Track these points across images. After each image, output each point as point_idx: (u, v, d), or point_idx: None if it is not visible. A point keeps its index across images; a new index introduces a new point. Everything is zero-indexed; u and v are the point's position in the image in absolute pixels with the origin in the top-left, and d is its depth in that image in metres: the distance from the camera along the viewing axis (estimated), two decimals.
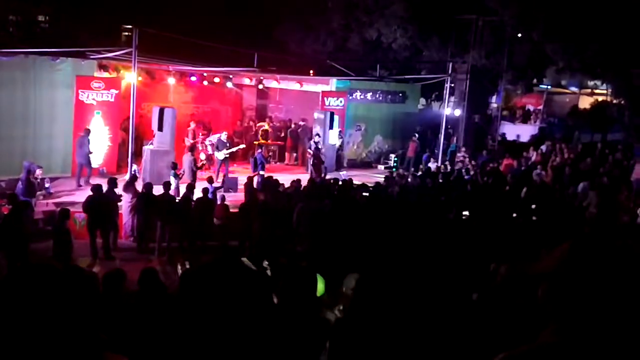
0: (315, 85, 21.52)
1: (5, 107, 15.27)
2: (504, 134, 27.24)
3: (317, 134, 19.16)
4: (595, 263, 1.72)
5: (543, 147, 21.79)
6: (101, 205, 11.93)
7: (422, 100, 28.43)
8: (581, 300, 1.73)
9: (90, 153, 15.67)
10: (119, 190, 12.75)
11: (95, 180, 15.69)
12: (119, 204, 12.67)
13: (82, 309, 1.76)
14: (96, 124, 16.59)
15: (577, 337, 1.70)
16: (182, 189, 13.61)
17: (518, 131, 28.46)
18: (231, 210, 13.31)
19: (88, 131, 15.81)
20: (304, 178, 15.57)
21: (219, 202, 13.36)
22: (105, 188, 12.32)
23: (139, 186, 13.56)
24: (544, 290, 1.71)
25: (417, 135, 21.65)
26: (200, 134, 19.05)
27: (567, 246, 1.78)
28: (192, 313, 2.38)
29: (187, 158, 15.69)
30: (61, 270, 1.79)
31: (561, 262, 1.78)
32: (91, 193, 12.07)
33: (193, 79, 19.39)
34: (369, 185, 15.04)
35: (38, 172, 13.66)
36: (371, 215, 11.66)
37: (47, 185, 14.27)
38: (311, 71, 22.24)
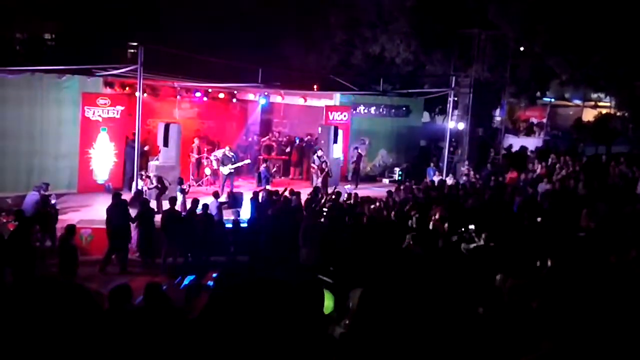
0: (319, 100, 21.60)
1: (11, 125, 15.42)
2: (510, 145, 27.15)
3: (320, 148, 19.19)
4: (581, 278, 1.79)
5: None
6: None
7: (426, 114, 28.47)
8: (572, 311, 1.78)
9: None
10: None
11: (101, 197, 15.81)
12: None
13: (83, 323, 1.77)
14: (102, 141, 16.68)
15: (572, 347, 1.74)
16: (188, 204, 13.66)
17: (522, 144, 28.38)
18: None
19: (133, 141, 16.35)
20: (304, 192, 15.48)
21: (232, 218, 13.44)
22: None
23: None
24: (538, 303, 1.76)
25: (357, 147, 21.61)
26: (205, 149, 19.11)
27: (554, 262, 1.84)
28: (213, 330, 2.35)
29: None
30: (64, 286, 1.82)
31: (550, 276, 1.85)
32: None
33: (198, 94, 19.49)
34: (375, 199, 15.04)
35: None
36: (376, 230, 11.62)
37: (53, 201, 14.29)
38: (315, 86, 22.33)
